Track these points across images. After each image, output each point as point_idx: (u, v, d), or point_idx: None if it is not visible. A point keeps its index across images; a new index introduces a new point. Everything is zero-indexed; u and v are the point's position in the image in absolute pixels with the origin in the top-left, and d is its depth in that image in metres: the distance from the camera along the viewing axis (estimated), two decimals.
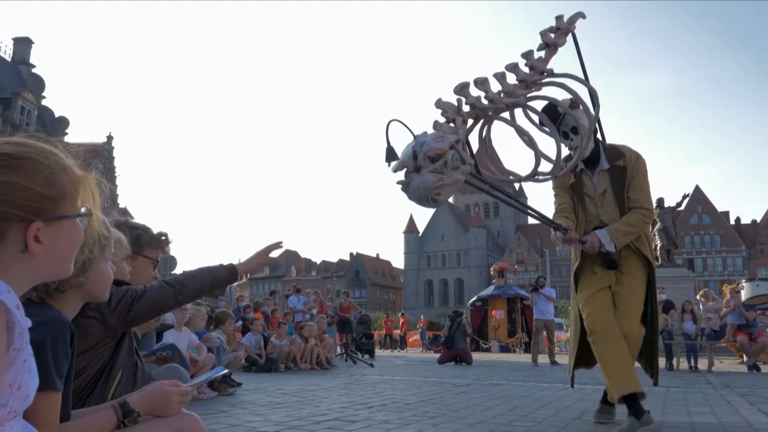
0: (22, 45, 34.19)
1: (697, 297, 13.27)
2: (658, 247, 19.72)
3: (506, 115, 3.31)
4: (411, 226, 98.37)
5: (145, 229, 2.42)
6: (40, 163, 0.97)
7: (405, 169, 2.67)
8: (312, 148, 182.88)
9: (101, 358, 1.81)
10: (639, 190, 3.61)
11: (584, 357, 3.81)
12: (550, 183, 3.78)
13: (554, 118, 3.44)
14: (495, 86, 3.15)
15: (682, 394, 5.93)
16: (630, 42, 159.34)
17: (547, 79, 3.36)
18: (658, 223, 19.50)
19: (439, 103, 2.91)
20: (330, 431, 3.43)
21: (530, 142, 3.33)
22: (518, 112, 3.39)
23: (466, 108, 3.02)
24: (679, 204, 21.08)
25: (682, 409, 4.70)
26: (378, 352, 19.88)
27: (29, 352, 0.96)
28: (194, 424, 1.42)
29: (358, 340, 16.16)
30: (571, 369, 3.97)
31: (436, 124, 2.78)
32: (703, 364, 10.77)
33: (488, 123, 3.29)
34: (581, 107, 3.41)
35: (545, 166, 3.46)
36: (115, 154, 42.93)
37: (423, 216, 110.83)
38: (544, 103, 3.46)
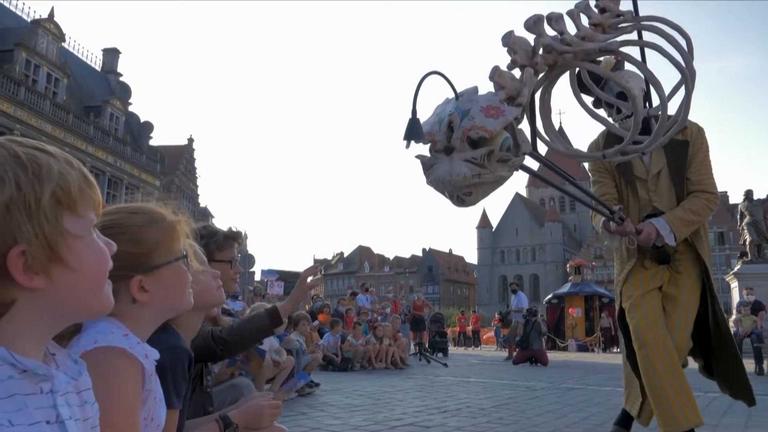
0: (111, 55, 36.20)
1: None
2: (747, 242, 18.78)
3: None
4: (484, 221, 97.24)
5: (211, 235, 2.43)
6: (124, 225, 1.12)
7: (431, 144, 1.77)
8: (385, 145, 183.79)
9: None
10: (701, 171, 3.03)
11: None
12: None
13: (595, 81, 2.83)
14: (570, 28, 2.39)
15: None
16: (719, 24, 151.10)
17: (633, 24, 2.55)
18: (747, 217, 18.60)
19: (509, 39, 2.04)
20: None
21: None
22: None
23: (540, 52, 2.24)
24: None
25: None
26: (451, 349, 19.91)
27: (158, 386, 1.13)
28: None
29: (431, 338, 16.25)
30: (637, 408, 3.19)
31: (495, 73, 1.88)
32: None
33: (558, 75, 2.45)
34: (633, 69, 2.68)
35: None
36: (195, 155, 44.88)
37: (496, 211, 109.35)
38: (637, 49, 2.68)
